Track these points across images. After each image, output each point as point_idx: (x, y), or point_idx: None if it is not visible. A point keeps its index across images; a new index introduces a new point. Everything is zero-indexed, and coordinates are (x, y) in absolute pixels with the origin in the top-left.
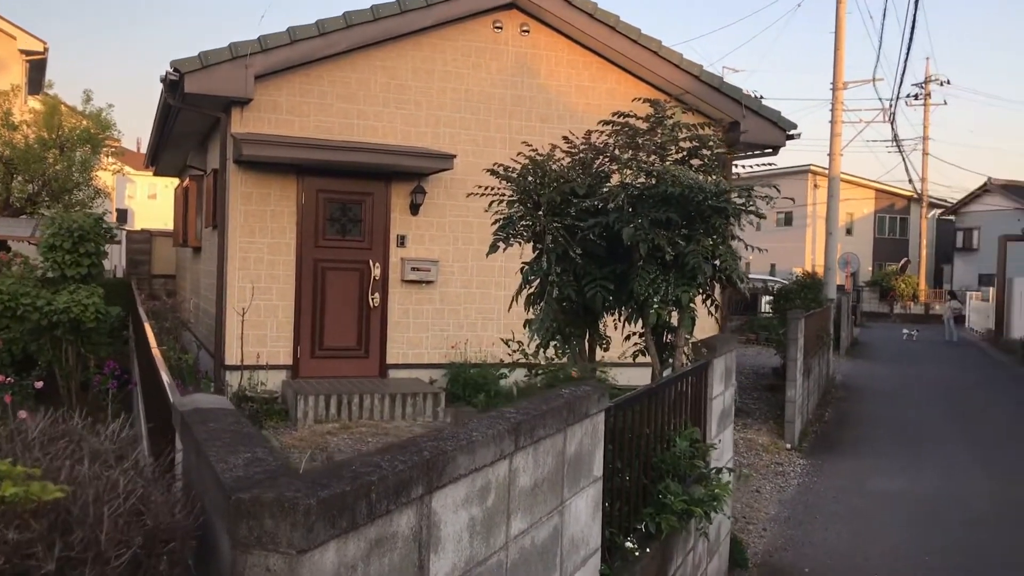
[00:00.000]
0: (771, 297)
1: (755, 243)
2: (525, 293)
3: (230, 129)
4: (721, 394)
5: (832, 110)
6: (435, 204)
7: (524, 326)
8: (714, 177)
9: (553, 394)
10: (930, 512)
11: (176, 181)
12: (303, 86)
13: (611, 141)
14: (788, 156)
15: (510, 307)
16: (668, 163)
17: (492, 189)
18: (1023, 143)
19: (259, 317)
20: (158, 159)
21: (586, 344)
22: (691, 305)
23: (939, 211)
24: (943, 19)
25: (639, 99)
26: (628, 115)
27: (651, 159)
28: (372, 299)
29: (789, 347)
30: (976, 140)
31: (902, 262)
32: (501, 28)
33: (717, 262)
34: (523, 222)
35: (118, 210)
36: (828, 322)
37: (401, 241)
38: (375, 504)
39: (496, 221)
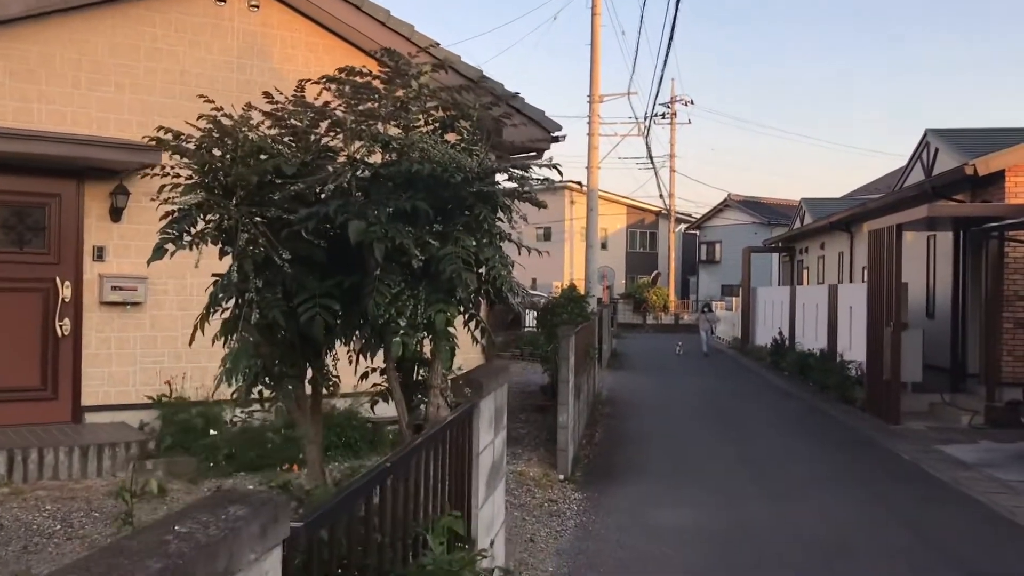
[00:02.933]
0: (536, 312)
1: (516, 260)
2: (220, 318)
3: None
4: (491, 443)
5: (589, 122)
6: (143, 208)
7: (221, 363)
8: (478, 155)
9: (153, 547)
10: (720, 546)
11: None
12: None
13: (335, 102)
14: (543, 171)
15: (191, 341)
16: (414, 134)
17: (173, 170)
18: (758, 161)
19: None
20: None
21: (306, 386)
22: (449, 329)
23: (685, 226)
24: (687, 40)
25: (378, 51)
26: (363, 71)
27: (388, 128)
28: (61, 326)
29: (560, 367)
30: (718, 158)
31: (653, 275)
32: (224, 1)
33: (483, 270)
34: (207, 215)
35: None
36: (594, 336)
37: (99, 254)
38: None
39: (167, 214)
